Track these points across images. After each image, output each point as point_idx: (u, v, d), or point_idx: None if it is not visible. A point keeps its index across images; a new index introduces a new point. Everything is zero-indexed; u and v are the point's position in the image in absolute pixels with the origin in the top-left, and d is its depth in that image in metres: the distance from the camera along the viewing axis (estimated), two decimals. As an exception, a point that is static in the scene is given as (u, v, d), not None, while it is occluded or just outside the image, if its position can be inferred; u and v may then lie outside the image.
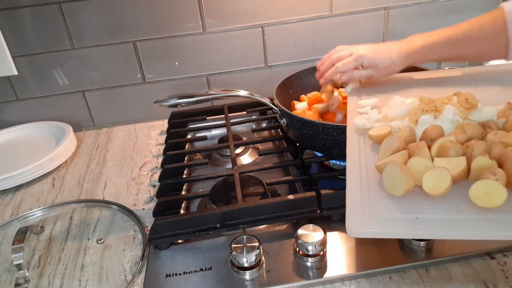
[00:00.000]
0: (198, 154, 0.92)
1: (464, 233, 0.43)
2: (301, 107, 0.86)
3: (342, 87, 0.86)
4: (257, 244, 0.58)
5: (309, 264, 0.58)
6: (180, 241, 0.65)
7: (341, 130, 0.68)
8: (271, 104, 0.81)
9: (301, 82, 0.92)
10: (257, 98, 0.80)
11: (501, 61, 0.87)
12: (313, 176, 0.72)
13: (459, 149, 0.50)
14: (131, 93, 1.09)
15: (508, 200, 0.43)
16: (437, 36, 0.70)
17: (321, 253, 0.58)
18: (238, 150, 0.90)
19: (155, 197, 0.77)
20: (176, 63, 1.06)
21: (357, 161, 0.56)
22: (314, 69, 0.94)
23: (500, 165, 0.47)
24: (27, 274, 0.62)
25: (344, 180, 0.74)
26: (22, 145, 1.01)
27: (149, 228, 0.66)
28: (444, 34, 0.70)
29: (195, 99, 0.76)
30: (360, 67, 0.75)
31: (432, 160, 0.51)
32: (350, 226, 0.46)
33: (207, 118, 1.02)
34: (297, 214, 0.64)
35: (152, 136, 1.04)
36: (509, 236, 0.43)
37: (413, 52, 0.72)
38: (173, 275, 0.59)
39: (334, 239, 0.62)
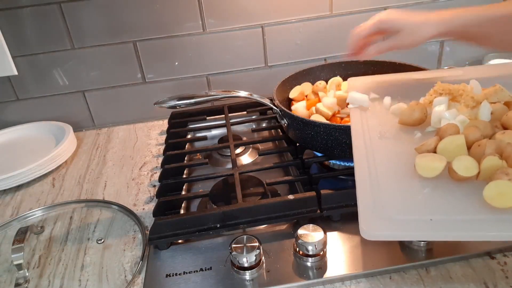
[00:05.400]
0: (198, 154, 0.92)
1: (480, 234, 0.43)
2: (299, 107, 0.86)
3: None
4: (257, 244, 0.58)
5: (309, 264, 0.58)
6: (180, 241, 0.65)
7: (343, 131, 0.68)
8: (271, 105, 0.81)
9: (301, 82, 0.92)
10: (257, 98, 0.80)
11: (503, 60, 0.87)
12: (313, 176, 0.72)
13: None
14: (131, 93, 1.09)
15: None
16: (477, 8, 0.62)
17: (321, 253, 0.58)
18: (238, 150, 0.90)
19: (155, 197, 0.77)
20: (176, 63, 1.06)
21: (365, 163, 0.56)
22: (314, 69, 0.95)
23: (510, 166, 0.47)
24: (27, 274, 0.62)
25: (344, 180, 0.76)
26: (22, 145, 1.01)
27: (149, 228, 0.66)
28: (486, 7, 0.61)
29: (195, 100, 0.76)
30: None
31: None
32: (364, 229, 0.45)
33: (207, 118, 1.02)
34: (297, 214, 0.64)
35: (152, 136, 1.04)
36: None
37: (447, 17, 0.63)
38: (173, 275, 0.59)
39: (334, 239, 0.62)
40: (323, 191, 0.65)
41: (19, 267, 0.61)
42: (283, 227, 0.66)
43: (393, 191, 0.50)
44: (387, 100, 0.69)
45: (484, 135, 0.53)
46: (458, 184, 0.49)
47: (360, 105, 0.70)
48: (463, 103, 0.61)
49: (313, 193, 0.65)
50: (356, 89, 0.76)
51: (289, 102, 0.90)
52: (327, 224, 0.64)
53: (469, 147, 0.52)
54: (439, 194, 0.48)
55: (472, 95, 0.60)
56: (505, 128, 0.55)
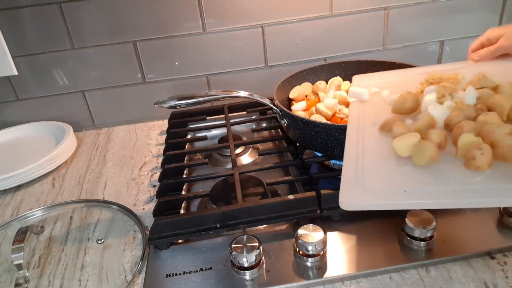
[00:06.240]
0: (198, 154, 0.92)
1: (447, 201, 0.46)
2: (298, 108, 0.86)
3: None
4: (257, 244, 0.58)
5: (309, 264, 0.58)
6: (180, 241, 0.65)
7: (343, 130, 0.68)
8: (271, 105, 0.81)
9: (301, 82, 0.92)
10: (257, 98, 0.80)
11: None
12: (313, 176, 0.72)
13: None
14: (131, 93, 1.09)
15: (493, 170, 0.48)
16: None
17: (321, 253, 0.58)
18: (238, 150, 0.90)
19: (155, 197, 0.77)
20: (176, 63, 1.06)
21: (354, 146, 0.58)
22: (314, 69, 0.95)
23: (490, 144, 0.49)
24: (27, 274, 0.62)
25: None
26: (22, 145, 1.01)
27: (149, 228, 0.66)
28: None
29: (195, 100, 0.76)
30: None
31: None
32: (342, 200, 0.49)
33: (207, 118, 1.02)
34: (297, 214, 0.64)
35: (152, 136, 1.04)
36: (491, 203, 0.48)
37: None
38: (173, 275, 0.59)
39: (334, 239, 0.62)
40: (323, 191, 0.65)
41: (19, 267, 0.61)
42: (283, 227, 0.66)
43: (375, 170, 0.53)
44: (385, 92, 0.71)
45: (467, 117, 0.55)
46: (437, 162, 0.52)
47: (360, 99, 0.71)
48: (439, 92, 0.63)
49: (313, 193, 0.65)
50: (360, 85, 0.77)
51: (289, 102, 0.90)
52: (327, 224, 0.64)
53: (452, 130, 0.55)
54: (418, 171, 0.51)
55: (445, 84, 0.63)
56: (490, 110, 0.57)
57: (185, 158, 0.89)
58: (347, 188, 0.50)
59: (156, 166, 0.90)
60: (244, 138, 0.96)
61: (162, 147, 0.94)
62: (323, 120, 0.78)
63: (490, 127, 0.50)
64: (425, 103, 0.63)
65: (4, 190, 0.86)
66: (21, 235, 0.64)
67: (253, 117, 1.03)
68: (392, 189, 0.48)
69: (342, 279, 0.56)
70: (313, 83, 0.92)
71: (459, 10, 1.08)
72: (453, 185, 0.47)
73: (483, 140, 0.50)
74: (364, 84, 0.78)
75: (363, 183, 0.50)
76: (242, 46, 1.06)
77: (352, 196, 0.49)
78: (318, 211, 0.64)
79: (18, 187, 0.87)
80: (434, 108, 0.60)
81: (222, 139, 0.94)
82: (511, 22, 1.11)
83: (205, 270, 0.59)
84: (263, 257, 0.59)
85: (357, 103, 0.72)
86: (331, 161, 0.79)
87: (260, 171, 0.77)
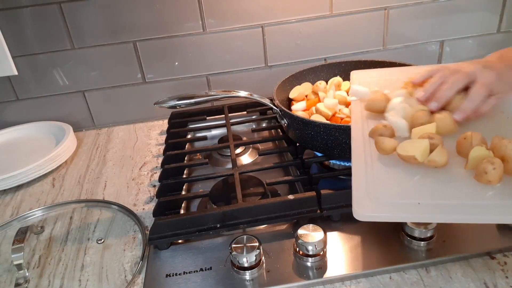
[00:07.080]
0: (198, 154, 0.92)
1: (460, 217, 0.46)
2: (298, 108, 0.86)
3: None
4: (257, 244, 0.58)
5: (309, 264, 0.58)
6: (180, 241, 0.65)
7: (343, 130, 0.68)
8: (271, 105, 0.81)
9: (301, 82, 0.92)
10: (257, 98, 0.80)
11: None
12: (313, 176, 0.72)
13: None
14: (131, 93, 1.09)
15: (504, 185, 0.47)
16: None
17: (321, 253, 0.58)
18: (238, 150, 0.90)
19: (155, 197, 0.77)
20: (176, 63, 1.06)
21: (361, 151, 0.58)
22: (314, 69, 0.95)
23: (500, 158, 0.49)
24: (27, 274, 0.62)
25: (344, 180, 0.76)
26: (22, 145, 1.01)
27: (149, 228, 0.66)
28: None
29: (195, 100, 0.76)
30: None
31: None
32: (357, 210, 0.48)
33: (207, 118, 1.02)
34: (297, 214, 0.64)
35: (152, 136, 1.04)
36: (503, 220, 0.48)
37: None
38: (173, 275, 0.59)
39: (334, 239, 0.62)
40: (323, 191, 0.65)
41: (19, 267, 0.61)
42: (283, 227, 0.66)
43: (385, 177, 0.52)
44: (386, 93, 0.70)
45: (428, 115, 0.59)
46: (446, 172, 0.52)
47: (361, 98, 0.72)
48: (409, 92, 0.66)
49: (313, 193, 0.65)
50: (359, 82, 0.77)
51: (289, 102, 0.90)
52: (327, 224, 0.64)
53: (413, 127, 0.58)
54: (428, 181, 0.51)
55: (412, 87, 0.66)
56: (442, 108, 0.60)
57: (185, 158, 0.89)
58: (360, 197, 0.50)
59: (156, 166, 0.90)
60: (244, 138, 0.96)
61: (162, 147, 0.94)
62: (323, 120, 0.78)
63: (501, 142, 0.50)
64: (390, 105, 0.65)
65: (4, 190, 0.86)
66: (21, 235, 0.64)
67: (253, 117, 1.03)
68: (406, 201, 0.48)
69: (342, 279, 0.56)
70: (313, 83, 0.92)
71: (459, 10, 1.08)
72: (465, 199, 0.47)
73: (493, 153, 0.50)
74: (364, 81, 0.78)
75: (375, 192, 0.50)
76: (242, 46, 1.06)
77: (366, 207, 0.48)
78: (318, 211, 0.64)
79: (18, 187, 0.87)
80: (391, 115, 0.62)
81: (222, 139, 0.94)
82: (511, 21, 1.12)
83: (205, 270, 0.59)
84: (263, 257, 0.59)
85: (358, 103, 0.72)
86: (331, 161, 0.79)
87: (260, 171, 0.77)
